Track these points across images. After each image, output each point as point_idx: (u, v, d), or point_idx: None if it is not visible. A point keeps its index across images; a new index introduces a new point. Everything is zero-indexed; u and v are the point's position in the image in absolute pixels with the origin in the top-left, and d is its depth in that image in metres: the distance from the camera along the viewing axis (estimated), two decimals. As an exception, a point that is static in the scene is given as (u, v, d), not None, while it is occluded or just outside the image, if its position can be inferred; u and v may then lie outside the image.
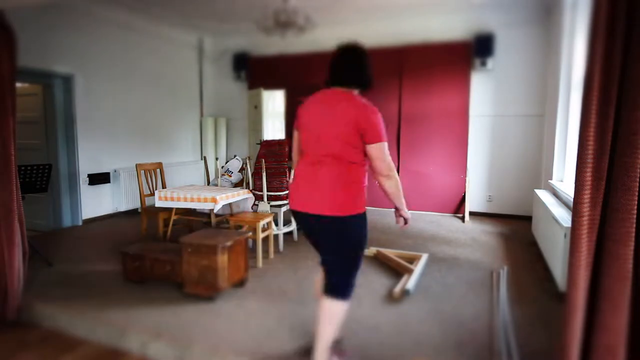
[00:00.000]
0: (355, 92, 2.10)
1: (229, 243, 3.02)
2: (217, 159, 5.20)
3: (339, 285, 2.09)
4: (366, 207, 2.08)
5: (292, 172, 2.26)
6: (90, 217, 5.51)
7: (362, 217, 2.07)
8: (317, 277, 2.28)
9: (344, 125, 1.97)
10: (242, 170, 4.86)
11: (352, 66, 2.08)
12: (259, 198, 4.29)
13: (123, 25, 5.79)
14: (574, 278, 1.64)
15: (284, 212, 4.45)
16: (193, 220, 4.47)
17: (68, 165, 5.27)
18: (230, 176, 4.73)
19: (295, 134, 2.27)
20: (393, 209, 2.19)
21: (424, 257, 3.83)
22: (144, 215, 4.38)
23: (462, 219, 5.69)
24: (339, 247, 2.08)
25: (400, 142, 6.17)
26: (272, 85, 6.91)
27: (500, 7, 5.44)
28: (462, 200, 5.89)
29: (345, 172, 2.02)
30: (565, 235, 2.94)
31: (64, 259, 3.94)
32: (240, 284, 3.28)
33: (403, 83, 6.11)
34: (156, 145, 6.51)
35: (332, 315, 2.09)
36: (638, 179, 1.52)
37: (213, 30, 6.88)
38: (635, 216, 1.55)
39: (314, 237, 2.18)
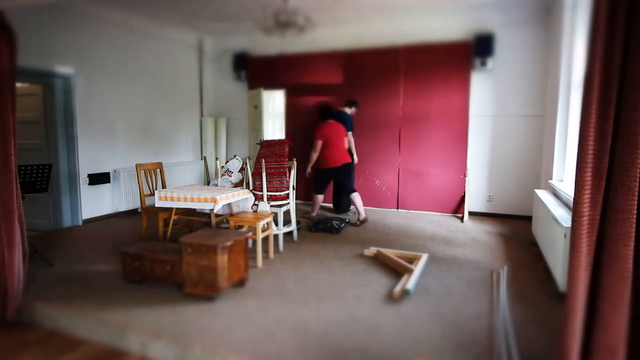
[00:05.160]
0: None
1: (229, 243, 3.02)
2: (217, 159, 5.19)
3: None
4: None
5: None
6: (90, 217, 5.51)
7: None
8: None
9: None
10: (242, 170, 4.85)
11: None
12: (259, 198, 4.29)
13: (123, 25, 5.79)
14: (574, 278, 1.64)
15: (284, 212, 4.44)
16: (193, 220, 4.46)
17: (68, 165, 5.27)
18: (230, 176, 4.73)
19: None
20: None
21: (424, 257, 3.83)
22: (144, 215, 4.38)
23: (462, 218, 5.69)
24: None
25: (400, 142, 6.16)
26: (272, 85, 6.90)
27: (500, 7, 5.44)
28: (462, 200, 5.88)
29: None
30: (565, 235, 2.94)
31: (64, 259, 3.94)
32: (240, 284, 3.28)
33: (403, 83, 6.11)
34: (156, 145, 6.51)
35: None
36: (638, 179, 1.53)
37: (213, 30, 6.87)
38: (635, 216, 1.55)
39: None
